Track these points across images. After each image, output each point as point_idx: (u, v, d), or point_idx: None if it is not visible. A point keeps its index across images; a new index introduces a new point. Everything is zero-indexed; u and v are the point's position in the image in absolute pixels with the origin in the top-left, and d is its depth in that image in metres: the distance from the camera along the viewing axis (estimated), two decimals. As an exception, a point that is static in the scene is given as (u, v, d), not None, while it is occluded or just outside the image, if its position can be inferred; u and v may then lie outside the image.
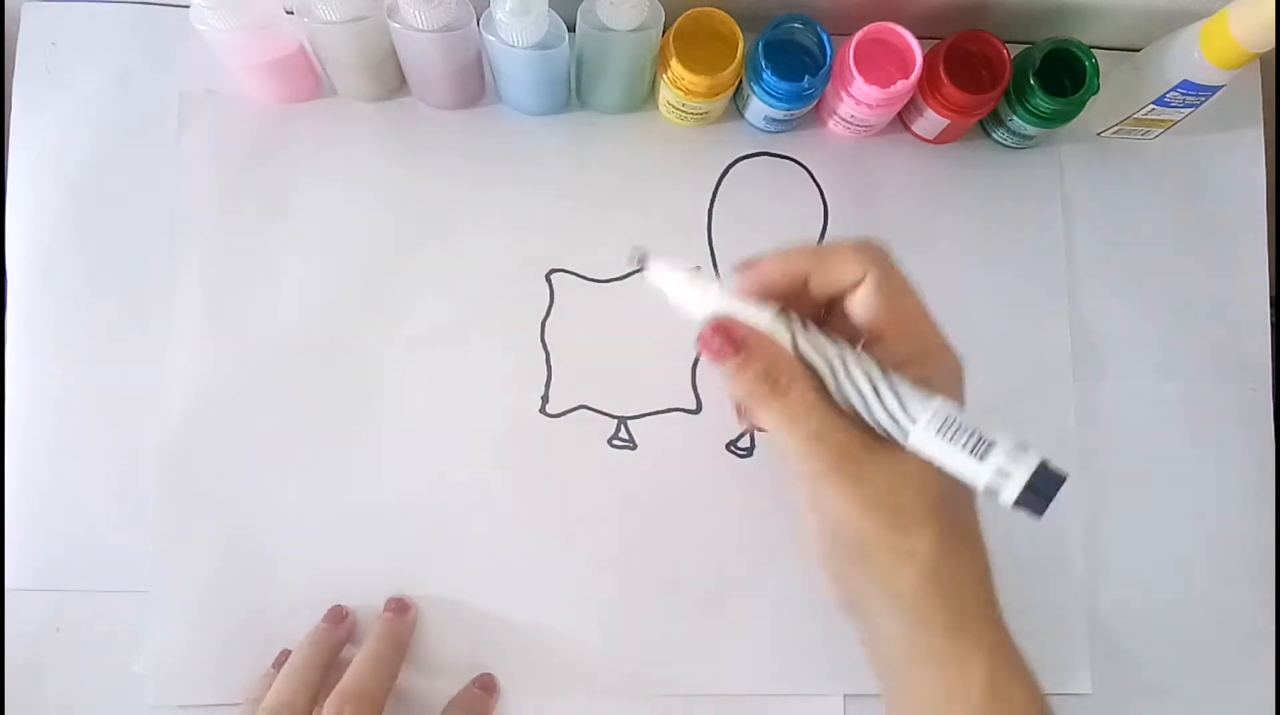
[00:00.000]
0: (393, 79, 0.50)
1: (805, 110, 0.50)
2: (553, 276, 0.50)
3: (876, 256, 0.36)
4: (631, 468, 0.49)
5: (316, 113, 0.51)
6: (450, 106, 0.51)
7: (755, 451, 0.50)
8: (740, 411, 0.39)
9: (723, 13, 0.46)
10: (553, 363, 0.50)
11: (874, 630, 0.36)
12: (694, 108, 0.49)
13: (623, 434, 0.50)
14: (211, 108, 0.50)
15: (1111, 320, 0.52)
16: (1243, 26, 0.42)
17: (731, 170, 0.52)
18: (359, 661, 0.44)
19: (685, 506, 0.49)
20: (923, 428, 0.32)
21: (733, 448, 0.50)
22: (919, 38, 0.46)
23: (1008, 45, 0.48)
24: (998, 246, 0.52)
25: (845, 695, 0.48)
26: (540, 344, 0.50)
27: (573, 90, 0.51)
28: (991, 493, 0.31)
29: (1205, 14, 0.45)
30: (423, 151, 0.51)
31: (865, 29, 0.46)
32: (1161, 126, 0.52)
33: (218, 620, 0.47)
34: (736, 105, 0.52)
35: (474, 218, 0.51)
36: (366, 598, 0.47)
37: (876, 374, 0.34)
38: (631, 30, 0.43)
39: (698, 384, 0.50)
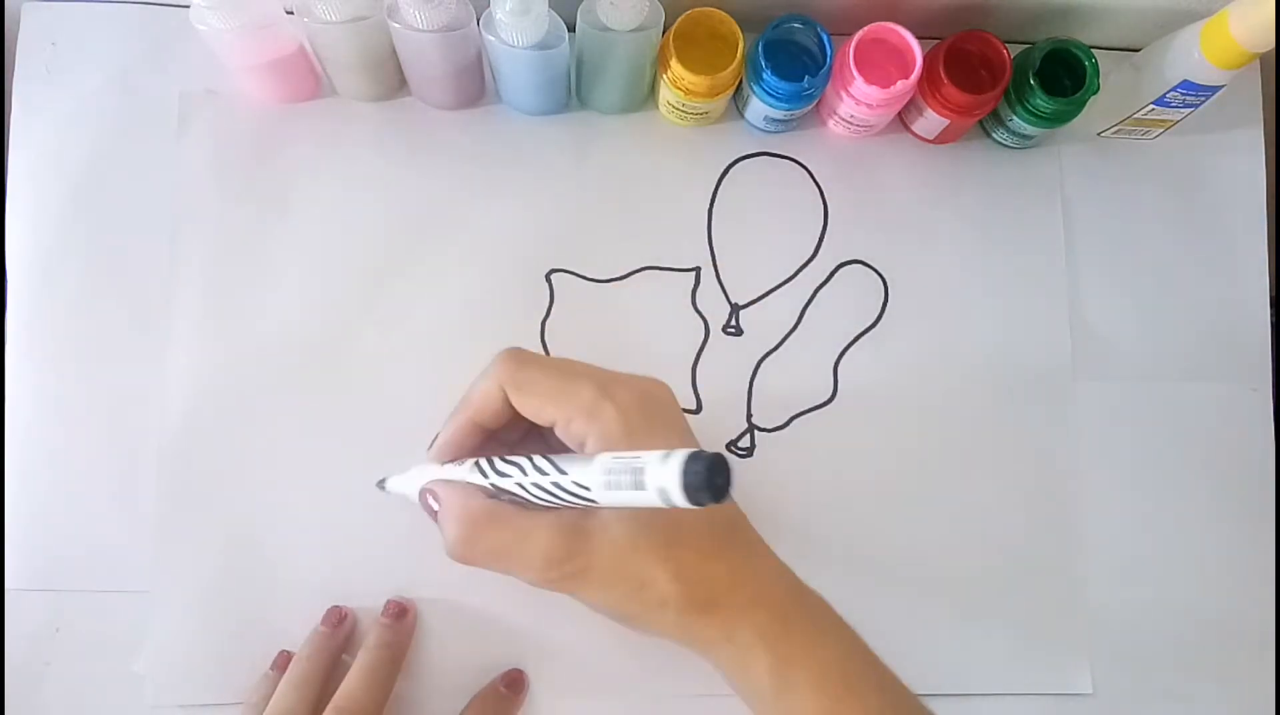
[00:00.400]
0: (393, 79, 0.50)
1: (805, 110, 0.50)
2: (553, 276, 0.50)
3: (502, 365, 0.38)
4: (631, 468, 0.49)
5: (316, 113, 0.51)
6: (450, 106, 0.51)
7: (755, 451, 0.50)
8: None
9: (723, 13, 0.46)
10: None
11: (689, 653, 0.39)
12: (694, 108, 0.49)
13: (622, 434, 0.50)
14: (211, 108, 0.50)
15: (1111, 320, 0.52)
16: (1243, 26, 0.42)
17: (731, 170, 0.52)
18: (353, 673, 0.44)
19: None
20: (597, 491, 0.34)
21: (733, 448, 0.50)
22: (919, 38, 0.46)
23: (1008, 45, 0.48)
24: (998, 246, 0.52)
25: (845, 695, 0.48)
26: (540, 344, 0.50)
27: (573, 90, 0.51)
28: (672, 506, 0.32)
29: (1205, 14, 0.45)
30: (423, 151, 0.51)
31: (865, 29, 0.46)
32: (1161, 126, 0.52)
33: (218, 620, 0.47)
34: (736, 105, 0.52)
35: (474, 218, 0.51)
36: (367, 598, 0.47)
37: (548, 467, 0.36)
38: (631, 30, 0.43)
39: (698, 384, 0.50)
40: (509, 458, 0.38)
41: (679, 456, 0.31)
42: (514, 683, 0.47)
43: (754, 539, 0.40)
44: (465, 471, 0.39)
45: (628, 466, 0.33)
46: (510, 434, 0.41)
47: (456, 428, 0.40)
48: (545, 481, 0.36)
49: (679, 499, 0.31)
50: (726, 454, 0.31)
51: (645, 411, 0.37)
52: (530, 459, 0.37)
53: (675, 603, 0.37)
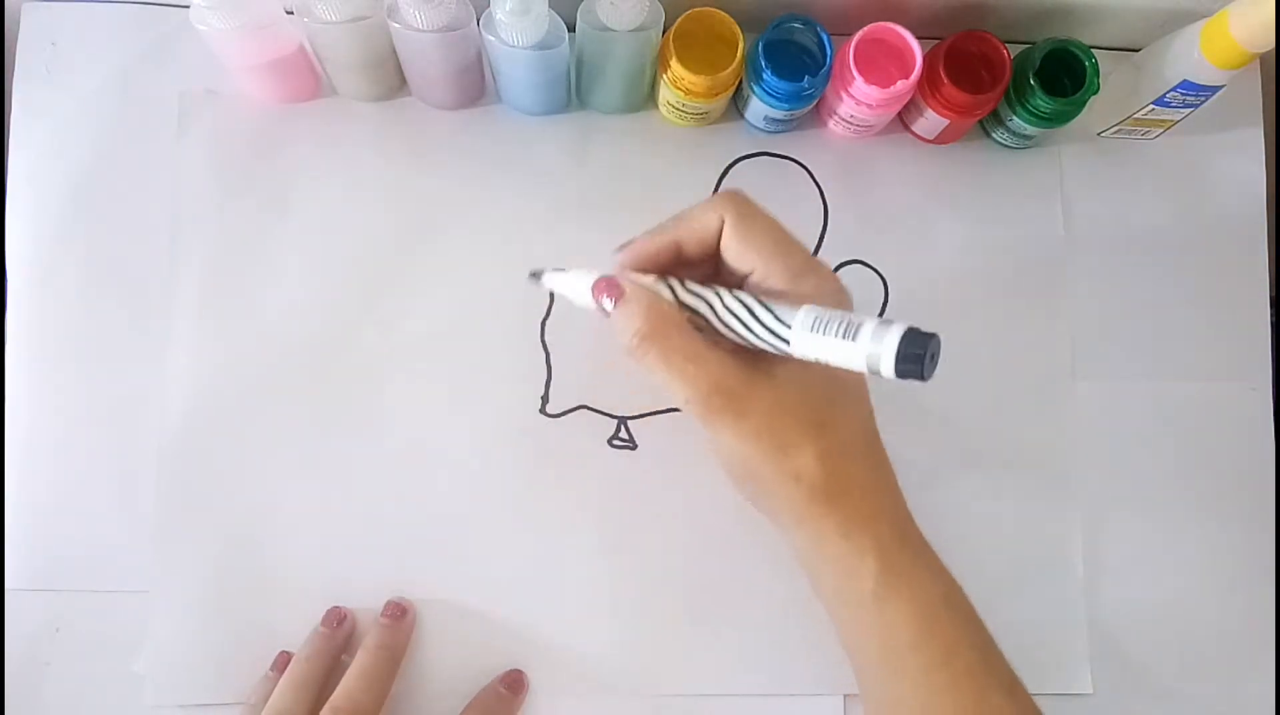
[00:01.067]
0: (393, 79, 0.50)
1: (805, 110, 0.50)
2: (553, 276, 0.50)
3: (729, 201, 0.39)
4: (631, 468, 0.49)
5: (316, 113, 0.51)
6: (450, 106, 0.51)
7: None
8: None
9: (723, 13, 0.46)
10: (553, 363, 0.50)
11: (789, 542, 0.40)
12: (694, 108, 0.49)
13: (623, 434, 0.50)
14: (211, 108, 0.50)
15: (1111, 320, 0.52)
16: (1243, 26, 0.42)
17: (731, 170, 0.52)
18: (351, 674, 0.44)
19: (685, 506, 0.49)
20: (798, 330, 0.35)
21: (733, 448, 0.50)
22: (919, 38, 0.46)
23: (1008, 45, 0.48)
24: (998, 246, 0.52)
25: (845, 695, 0.48)
26: (540, 344, 0.50)
27: (573, 90, 0.51)
28: (874, 371, 0.33)
29: (1205, 14, 0.45)
30: (423, 151, 0.51)
31: (865, 29, 0.46)
32: (1161, 126, 0.52)
33: (218, 620, 0.47)
34: (736, 105, 0.52)
35: (474, 218, 0.51)
36: (366, 598, 0.47)
37: (750, 299, 0.37)
38: (631, 30, 0.43)
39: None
40: (703, 284, 0.38)
41: (900, 325, 0.32)
42: (514, 683, 0.47)
43: (886, 459, 0.41)
44: (649, 282, 0.39)
45: (842, 318, 0.34)
46: (693, 272, 0.40)
47: (660, 240, 0.40)
48: (740, 311, 0.37)
49: (887, 361, 0.32)
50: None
51: (840, 299, 0.38)
52: (728, 290, 0.38)
53: (808, 481, 0.37)
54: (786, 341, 0.35)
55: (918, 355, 0.31)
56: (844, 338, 0.33)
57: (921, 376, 0.32)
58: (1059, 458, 0.51)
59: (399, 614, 0.46)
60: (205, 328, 0.49)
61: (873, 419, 0.40)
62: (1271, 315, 0.54)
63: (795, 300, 0.36)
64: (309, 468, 0.48)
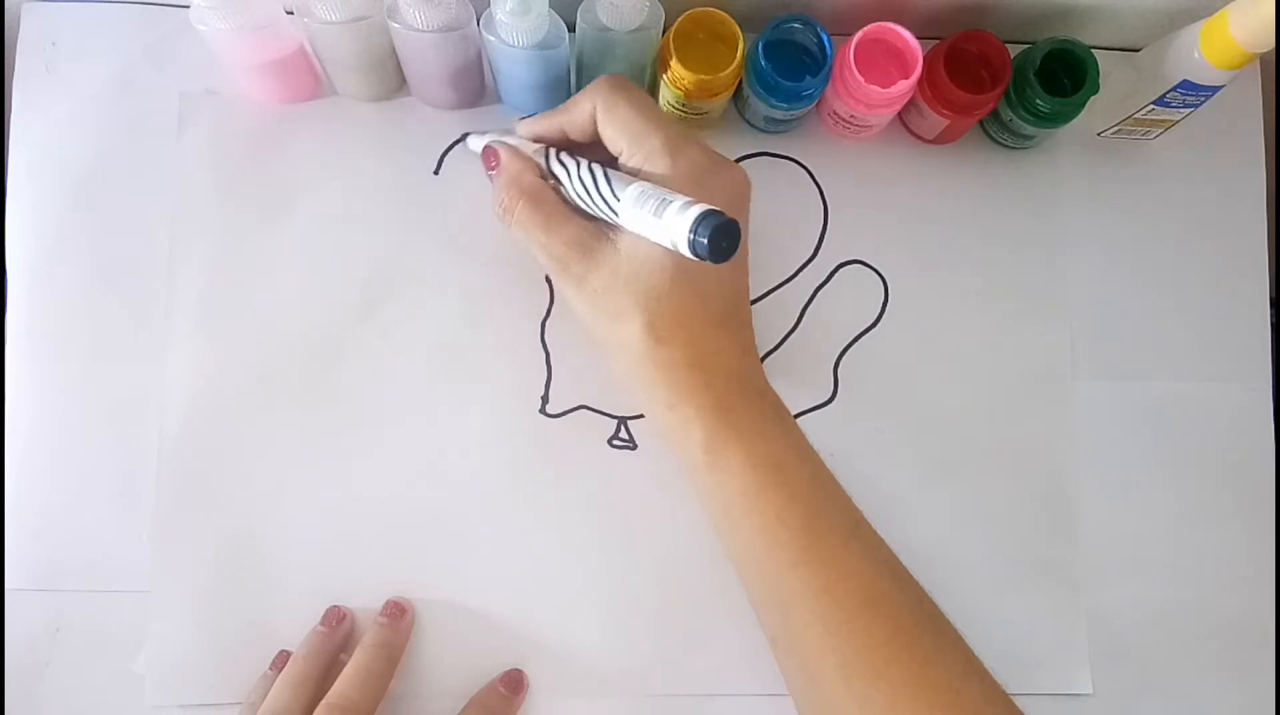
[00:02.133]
0: (393, 79, 0.50)
1: (805, 110, 0.50)
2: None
3: (600, 87, 0.42)
4: (631, 468, 0.49)
5: (316, 113, 0.51)
6: (450, 106, 0.51)
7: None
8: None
9: (723, 13, 0.46)
10: (553, 363, 0.50)
11: (635, 405, 0.43)
12: (694, 108, 0.49)
13: (623, 434, 0.50)
14: (211, 108, 0.50)
15: (1111, 320, 0.52)
16: (1243, 26, 0.42)
17: (731, 170, 0.52)
18: (348, 672, 0.44)
19: (686, 506, 0.49)
20: (624, 204, 0.37)
21: (733, 448, 0.50)
22: (919, 38, 0.46)
23: (1008, 45, 0.48)
24: (998, 246, 0.52)
25: (845, 695, 0.48)
26: (540, 344, 0.50)
27: (573, 90, 0.51)
28: (677, 247, 0.34)
29: (1205, 14, 0.45)
30: (423, 151, 0.51)
31: (865, 29, 0.46)
32: (1161, 126, 0.52)
33: (218, 620, 0.47)
34: (736, 105, 0.52)
35: (474, 218, 0.51)
36: (366, 598, 0.47)
37: (598, 172, 0.40)
38: (631, 30, 0.43)
39: (698, 384, 0.50)
40: (572, 155, 0.42)
41: (700, 207, 0.33)
42: (513, 683, 0.47)
43: (742, 329, 0.43)
44: (532, 151, 0.44)
45: (659, 196, 0.36)
46: (590, 153, 0.43)
47: (547, 123, 0.44)
48: (587, 180, 0.40)
49: (681, 242, 0.34)
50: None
51: (701, 177, 0.40)
52: (588, 163, 0.41)
53: (636, 348, 0.40)
54: (615, 213, 0.38)
55: (704, 238, 0.33)
56: (654, 215, 0.35)
57: (713, 259, 0.33)
58: (1059, 458, 0.51)
59: (398, 613, 0.46)
60: (205, 328, 0.49)
61: (722, 295, 0.41)
62: (1271, 315, 0.54)
63: (649, 179, 0.39)
64: (309, 467, 0.48)
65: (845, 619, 0.39)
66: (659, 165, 0.40)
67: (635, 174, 0.40)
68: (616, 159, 0.42)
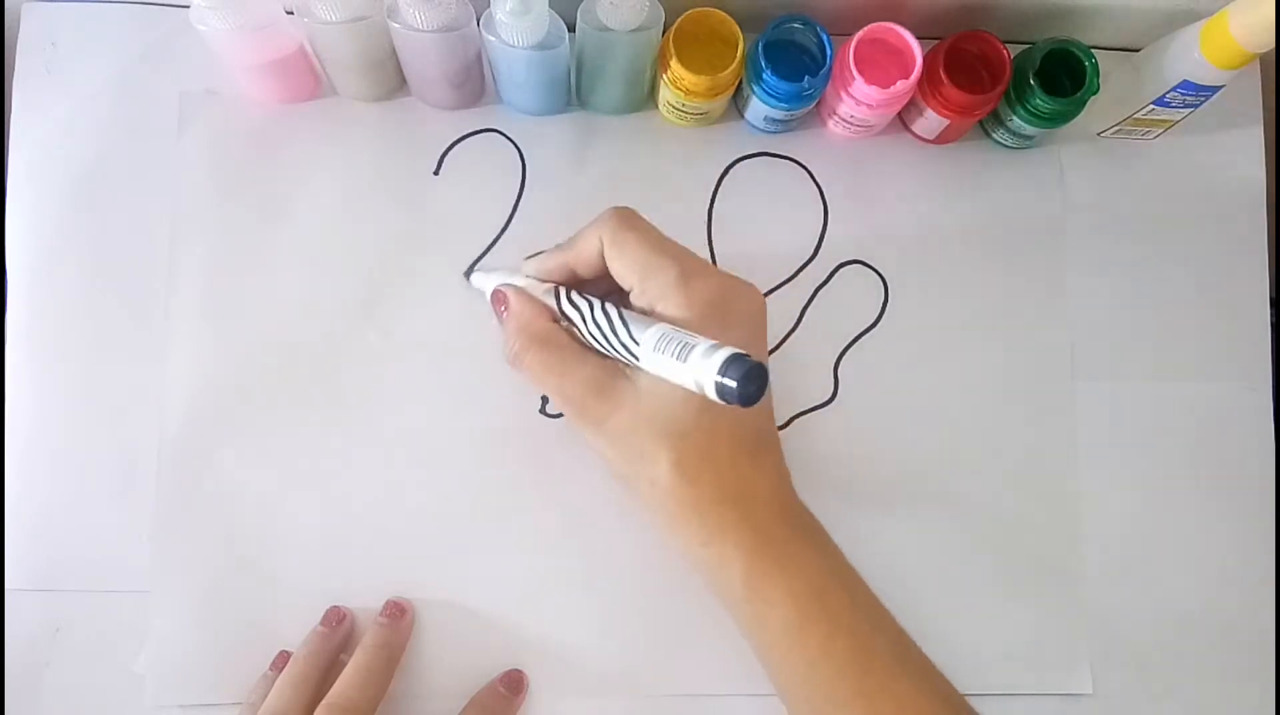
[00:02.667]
0: (393, 79, 0.50)
1: (805, 110, 0.50)
2: (553, 276, 0.50)
3: (606, 220, 0.41)
4: (631, 468, 0.49)
5: (316, 113, 0.51)
6: (450, 106, 0.51)
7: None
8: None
9: (723, 13, 0.46)
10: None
11: (666, 543, 0.42)
12: (694, 108, 0.49)
13: (623, 434, 0.50)
14: (211, 108, 0.50)
15: (1111, 320, 0.52)
16: (1243, 26, 0.42)
17: (731, 170, 0.52)
18: (348, 672, 0.44)
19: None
20: (646, 347, 0.36)
21: (733, 448, 0.50)
22: (919, 38, 0.46)
23: (1008, 45, 0.48)
24: (998, 246, 0.52)
25: (845, 695, 0.48)
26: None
27: (573, 90, 0.51)
28: (703, 391, 0.34)
29: (1205, 14, 0.45)
30: (423, 152, 0.51)
31: (865, 29, 0.46)
32: (1161, 126, 0.52)
33: (218, 620, 0.47)
34: (736, 105, 0.52)
35: (474, 218, 0.51)
36: (366, 597, 0.47)
37: (614, 313, 0.39)
38: (631, 30, 0.43)
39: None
40: (584, 294, 0.41)
41: (725, 351, 0.33)
42: (514, 683, 0.47)
43: (770, 456, 0.41)
44: (541, 291, 0.43)
45: (680, 339, 0.35)
46: (599, 286, 0.42)
47: (553, 261, 0.43)
48: (604, 324, 0.39)
49: (709, 387, 0.33)
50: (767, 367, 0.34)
51: (717, 309, 0.39)
52: (601, 301, 0.40)
53: (665, 487, 0.39)
54: (635, 358, 0.36)
55: (732, 383, 0.32)
56: (677, 359, 0.34)
57: (742, 403, 0.32)
58: (1059, 458, 0.51)
59: (398, 613, 0.46)
60: (205, 327, 0.49)
61: (747, 426, 0.40)
62: (1271, 315, 0.54)
63: (664, 316, 0.38)
64: (309, 467, 0.48)
65: None
66: (673, 302, 0.38)
67: (649, 311, 0.39)
68: (628, 293, 0.41)
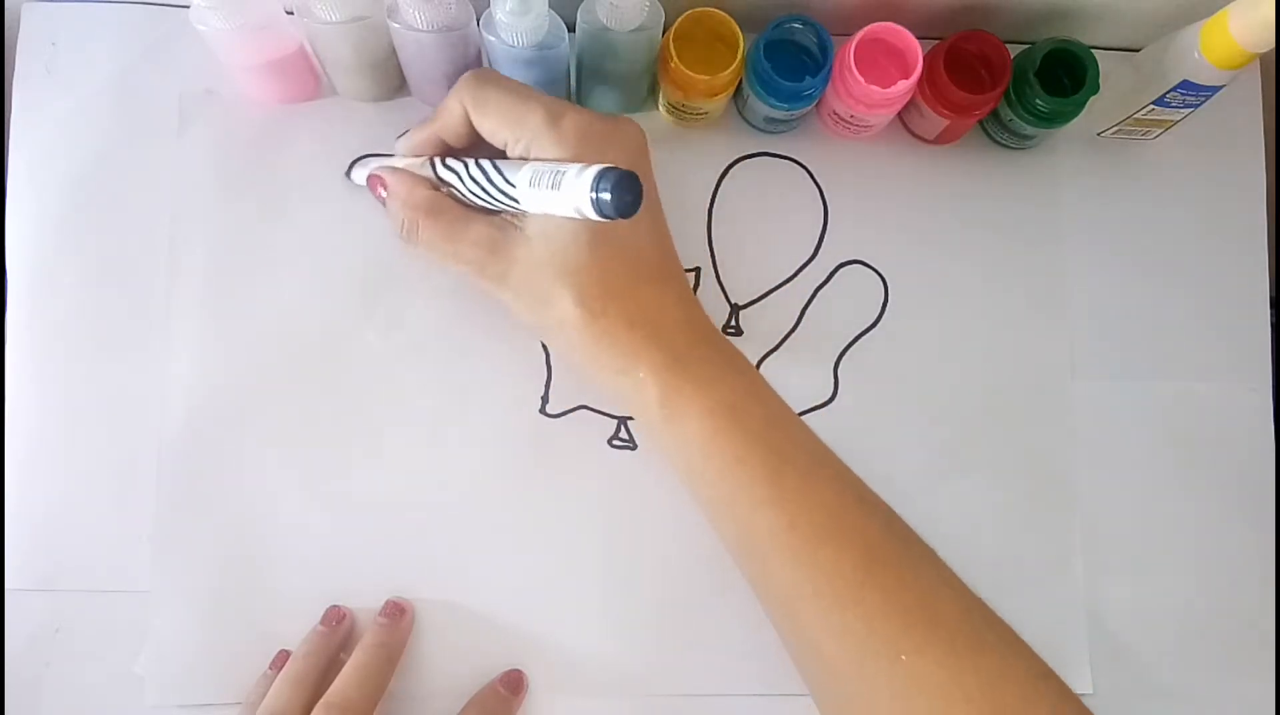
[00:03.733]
0: (393, 79, 0.50)
1: (805, 110, 0.50)
2: (553, 276, 0.50)
3: (465, 85, 0.41)
4: (631, 468, 0.49)
5: (316, 113, 0.51)
6: (450, 106, 0.51)
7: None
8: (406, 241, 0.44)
9: (723, 13, 0.46)
10: (553, 363, 0.50)
11: (588, 380, 0.43)
12: (694, 108, 0.49)
13: (623, 434, 0.50)
14: (211, 108, 0.50)
15: (1111, 320, 0.52)
16: (1243, 26, 0.42)
17: (731, 170, 0.52)
18: (347, 671, 0.44)
19: (686, 506, 0.49)
20: (523, 187, 0.37)
21: (733, 448, 0.50)
22: (919, 38, 0.46)
23: (1008, 45, 0.48)
24: (998, 246, 0.52)
25: (845, 695, 0.48)
26: (540, 344, 0.50)
27: (573, 91, 0.51)
28: (584, 214, 0.34)
29: (1205, 14, 0.45)
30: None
31: (865, 29, 0.46)
32: (1161, 126, 0.52)
33: (218, 620, 0.47)
34: (736, 105, 0.52)
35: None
36: (366, 598, 0.47)
37: (487, 165, 0.39)
38: (631, 30, 0.43)
39: (698, 384, 0.50)
40: (456, 157, 0.41)
41: (594, 168, 0.33)
42: (513, 683, 0.47)
43: (676, 283, 0.43)
44: (417, 165, 0.43)
45: (551, 169, 0.35)
46: (478, 154, 0.42)
47: (422, 134, 0.43)
48: (479, 178, 0.39)
49: (586, 206, 0.33)
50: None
51: (592, 141, 0.39)
52: (474, 159, 0.40)
53: (574, 324, 0.40)
54: (515, 200, 0.37)
55: (608, 196, 0.32)
56: (552, 188, 0.35)
57: (621, 214, 0.33)
58: (1058, 458, 0.51)
59: (397, 613, 0.46)
60: (205, 328, 0.49)
61: (649, 255, 0.42)
62: (1271, 315, 0.54)
63: (540, 159, 0.38)
64: (309, 467, 0.48)
65: (813, 551, 0.39)
66: (546, 140, 0.39)
67: (525, 159, 0.40)
68: (504, 152, 0.41)
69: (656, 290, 0.42)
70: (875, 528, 0.40)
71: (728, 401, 0.41)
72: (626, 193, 0.32)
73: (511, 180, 0.38)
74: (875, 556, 0.39)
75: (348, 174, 0.49)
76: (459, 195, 0.41)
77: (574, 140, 0.39)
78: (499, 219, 0.40)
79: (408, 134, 0.44)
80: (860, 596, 0.38)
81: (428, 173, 0.42)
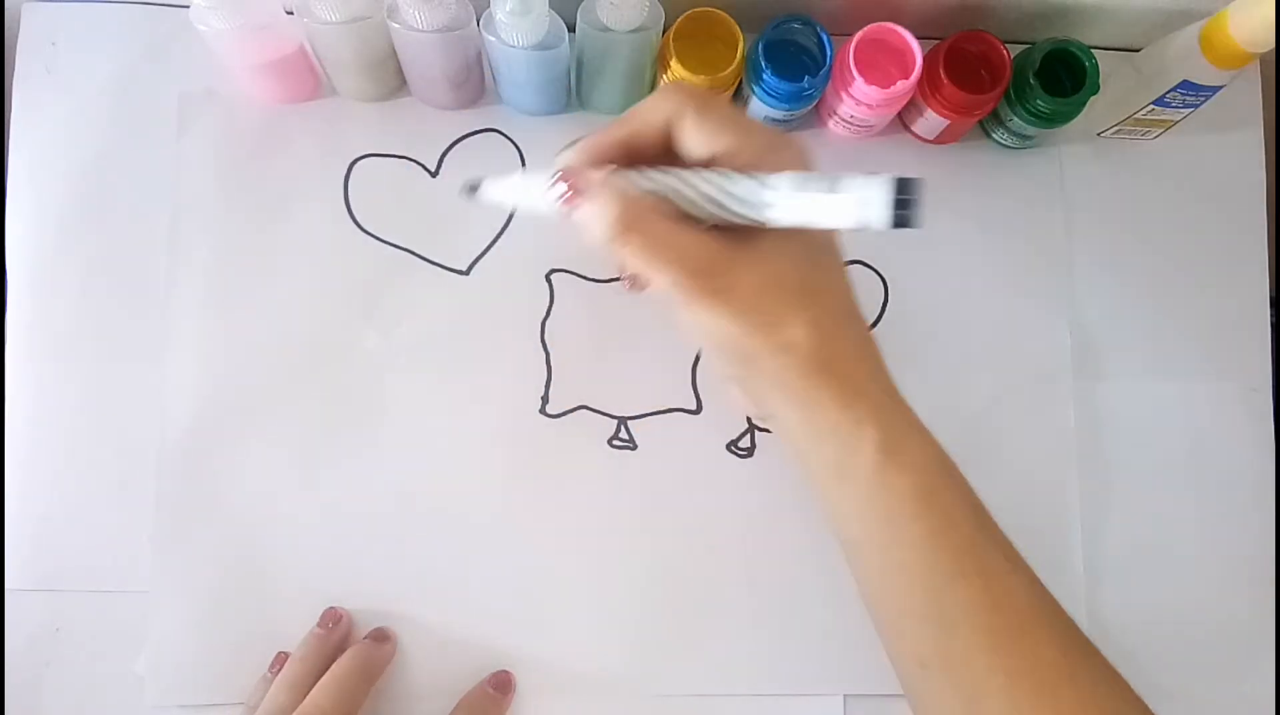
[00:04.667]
0: (393, 79, 0.50)
1: (805, 110, 0.50)
2: (553, 276, 0.50)
3: (685, 92, 0.36)
4: (631, 468, 0.49)
5: (316, 113, 0.51)
6: (450, 106, 0.51)
7: (756, 451, 0.50)
8: (622, 273, 0.40)
9: (723, 13, 0.46)
10: (553, 363, 0.50)
11: (780, 425, 0.38)
12: (694, 108, 0.49)
13: (623, 434, 0.50)
14: (211, 108, 0.50)
15: (1111, 320, 0.52)
16: (1243, 26, 0.42)
17: (732, 170, 0.52)
18: (324, 682, 0.43)
19: (685, 506, 0.49)
20: (784, 192, 0.33)
21: (733, 448, 0.50)
22: (919, 38, 0.46)
23: (1008, 45, 0.48)
24: (998, 246, 0.52)
25: (845, 695, 0.48)
26: (540, 344, 0.50)
27: (573, 91, 0.51)
28: (864, 223, 0.31)
29: (1205, 14, 0.45)
30: (423, 151, 0.51)
31: (865, 29, 0.46)
32: (1161, 126, 0.52)
33: (218, 620, 0.47)
34: (736, 105, 0.52)
35: (474, 218, 0.51)
36: (366, 597, 0.47)
37: (723, 173, 0.35)
38: (631, 30, 0.43)
39: (698, 384, 0.50)
40: (665, 169, 0.36)
41: (887, 176, 0.30)
42: (502, 684, 0.47)
43: (868, 328, 0.39)
44: (604, 175, 0.36)
45: (825, 178, 0.32)
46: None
47: (609, 137, 0.37)
48: (715, 185, 0.35)
49: (880, 211, 0.30)
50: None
51: (808, 155, 0.36)
52: (692, 171, 0.35)
53: (802, 351, 0.36)
54: (768, 207, 0.33)
55: (907, 199, 0.30)
56: (831, 192, 0.32)
57: (911, 223, 0.30)
58: (1059, 457, 0.51)
59: (380, 639, 0.46)
60: (205, 328, 0.49)
61: (852, 287, 0.39)
62: (1271, 315, 0.54)
63: (772, 171, 0.35)
64: (309, 468, 0.48)
65: (1015, 638, 0.37)
66: (782, 155, 0.35)
67: (744, 170, 0.36)
68: (708, 163, 0.37)
69: (865, 327, 0.39)
70: (1069, 625, 0.38)
71: (939, 457, 0.38)
72: (920, 200, 0.30)
73: (768, 184, 0.33)
74: (1071, 654, 0.37)
75: (468, 193, 0.40)
76: (678, 201, 0.36)
77: (803, 153, 0.36)
78: (726, 231, 0.35)
79: (578, 143, 0.38)
80: (1056, 693, 0.36)
81: (623, 182, 0.36)
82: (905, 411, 0.38)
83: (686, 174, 0.35)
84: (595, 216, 0.35)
